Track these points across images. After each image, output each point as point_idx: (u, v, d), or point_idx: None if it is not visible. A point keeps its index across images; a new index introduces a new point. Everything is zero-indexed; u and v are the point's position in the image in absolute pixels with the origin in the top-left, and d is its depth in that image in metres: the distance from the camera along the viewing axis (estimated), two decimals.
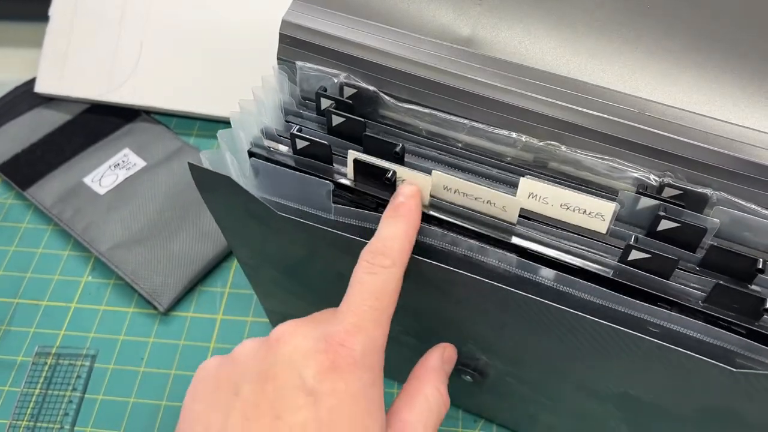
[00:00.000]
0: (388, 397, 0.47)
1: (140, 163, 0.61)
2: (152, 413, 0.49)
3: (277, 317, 0.49)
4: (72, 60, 0.65)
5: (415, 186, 0.30)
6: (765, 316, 0.27)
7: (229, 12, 0.65)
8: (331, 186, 0.31)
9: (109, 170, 0.61)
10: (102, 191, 0.59)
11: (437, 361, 0.32)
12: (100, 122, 0.65)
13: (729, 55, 0.31)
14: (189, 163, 0.31)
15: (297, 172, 0.31)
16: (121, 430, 0.48)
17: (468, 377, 0.39)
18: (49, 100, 0.66)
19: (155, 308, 0.53)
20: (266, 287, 0.43)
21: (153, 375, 0.51)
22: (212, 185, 0.32)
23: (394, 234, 0.28)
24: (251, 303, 0.54)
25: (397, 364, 0.45)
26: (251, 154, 0.32)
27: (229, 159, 0.32)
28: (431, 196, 0.31)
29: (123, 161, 0.62)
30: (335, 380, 0.25)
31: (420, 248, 0.31)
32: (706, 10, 0.31)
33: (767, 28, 0.31)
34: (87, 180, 0.60)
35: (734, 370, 0.25)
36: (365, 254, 0.28)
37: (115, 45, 0.65)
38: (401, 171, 0.30)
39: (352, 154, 0.31)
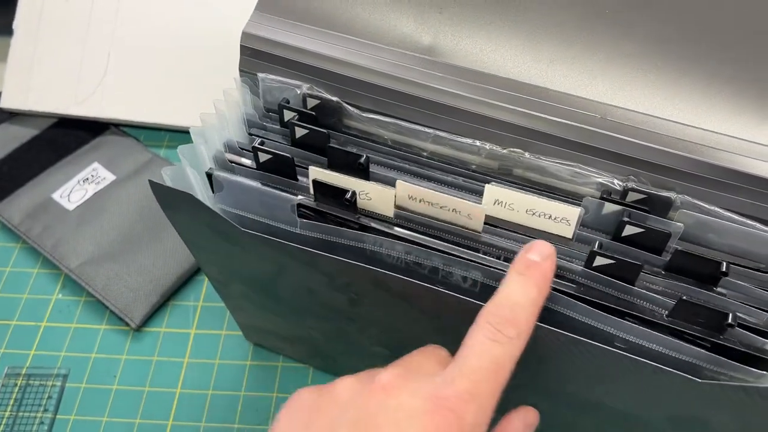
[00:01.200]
0: None
1: (110, 177, 0.61)
2: None
3: (250, 331, 0.49)
4: (37, 74, 0.64)
5: (551, 246, 0.28)
6: (728, 330, 0.27)
7: (198, 22, 0.64)
8: (296, 200, 0.30)
9: (78, 185, 0.60)
10: (71, 207, 0.58)
11: (519, 425, 0.31)
12: (68, 136, 0.64)
13: (687, 58, 0.31)
14: (150, 181, 0.30)
15: (260, 187, 0.31)
16: None
17: None
18: (14, 116, 0.65)
19: (127, 324, 0.52)
20: (237, 302, 0.42)
21: (126, 393, 0.50)
22: (175, 203, 0.31)
23: (524, 301, 0.26)
24: (225, 316, 0.53)
25: None
26: (209, 175, 0.32)
27: (192, 175, 0.31)
28: (396, 206, 0.31)
29: (92, 176, 0.61)
30: None
31: (385, 263, 0.31)
32: (664, 14, 0.31)
33: (723, 32, 0.31)
34: (56, 196, 0.59)
35: (700, 381, 0.25)
36: (489, 316, 0.26)
37: (81, 58, 0.64)
38: (362, 186, 0.30)
39: (313, 173, 0.30)
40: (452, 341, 0.33)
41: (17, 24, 0.65)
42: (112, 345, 0.52)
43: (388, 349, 0.38)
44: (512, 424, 0.31)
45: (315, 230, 0.31)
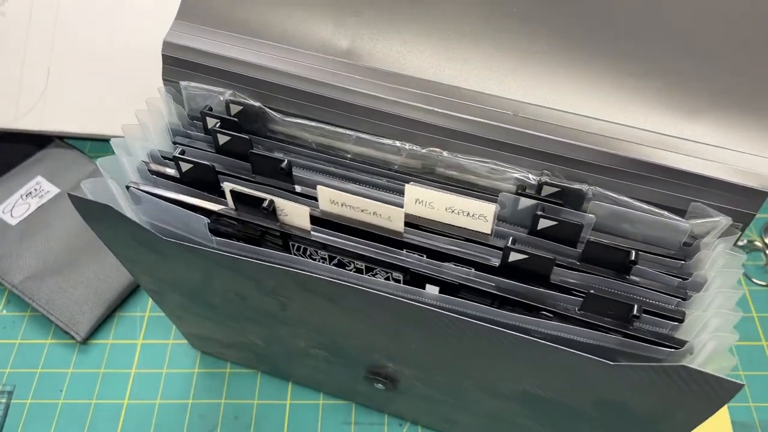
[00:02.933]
0: (310, 409, 0.46)
1: (53, 190, 0.60)
2: None
3: (194, 339, 0.49)
4: None
5: None
6: (635, 321, 0.28)
7: (137, 33, 0.64)
8: (207, 220, 0.30)
9: (21, 200, 0.59)
10: (13, 222, 0.58)
11: None
12: (10, 151, 0.63)
13: (594, 54, 0.32)
14: (69, 194, 0.30)
15: (174, 206, 0.31)
16: None
17: (380, 385, 0.39)
18: None
19: (73, 338, 0.52)
20: (174, 311, 0.42)
21: (73, 406, 0.49)
22: (96, 215, 0.31)
23: None
24: (172, 325, 0.53)
25: (315, 375, 0.45)
26: (128, 187, 0.32)
27: (113, 187, 0.31)
28: (320, 211, 0.31)
29: (35, 189, 0.60)
30: None
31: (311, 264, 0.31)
32: (571, 11, 0.32)
33: (629, 27, 0.32)
34: None
35: (612, 363, 0.26)
36: None
37: (20, 72, 0.63)
38: (278, 202, 0.30)
39: (227, 186, 0.31)
40: (384, 338, 0.34)
41: None
42: (58, 359, 0.52)
43: (325, 350, 0.39)
44: None
45: (230, 247, 0.31)
